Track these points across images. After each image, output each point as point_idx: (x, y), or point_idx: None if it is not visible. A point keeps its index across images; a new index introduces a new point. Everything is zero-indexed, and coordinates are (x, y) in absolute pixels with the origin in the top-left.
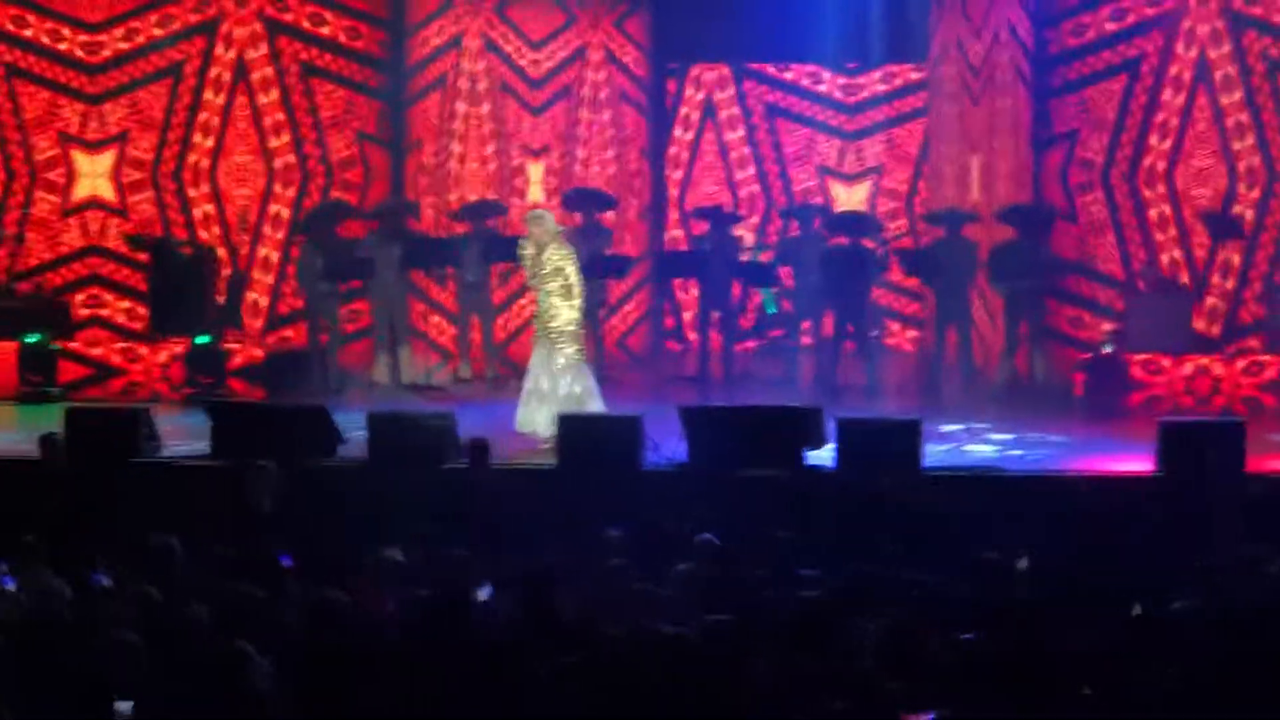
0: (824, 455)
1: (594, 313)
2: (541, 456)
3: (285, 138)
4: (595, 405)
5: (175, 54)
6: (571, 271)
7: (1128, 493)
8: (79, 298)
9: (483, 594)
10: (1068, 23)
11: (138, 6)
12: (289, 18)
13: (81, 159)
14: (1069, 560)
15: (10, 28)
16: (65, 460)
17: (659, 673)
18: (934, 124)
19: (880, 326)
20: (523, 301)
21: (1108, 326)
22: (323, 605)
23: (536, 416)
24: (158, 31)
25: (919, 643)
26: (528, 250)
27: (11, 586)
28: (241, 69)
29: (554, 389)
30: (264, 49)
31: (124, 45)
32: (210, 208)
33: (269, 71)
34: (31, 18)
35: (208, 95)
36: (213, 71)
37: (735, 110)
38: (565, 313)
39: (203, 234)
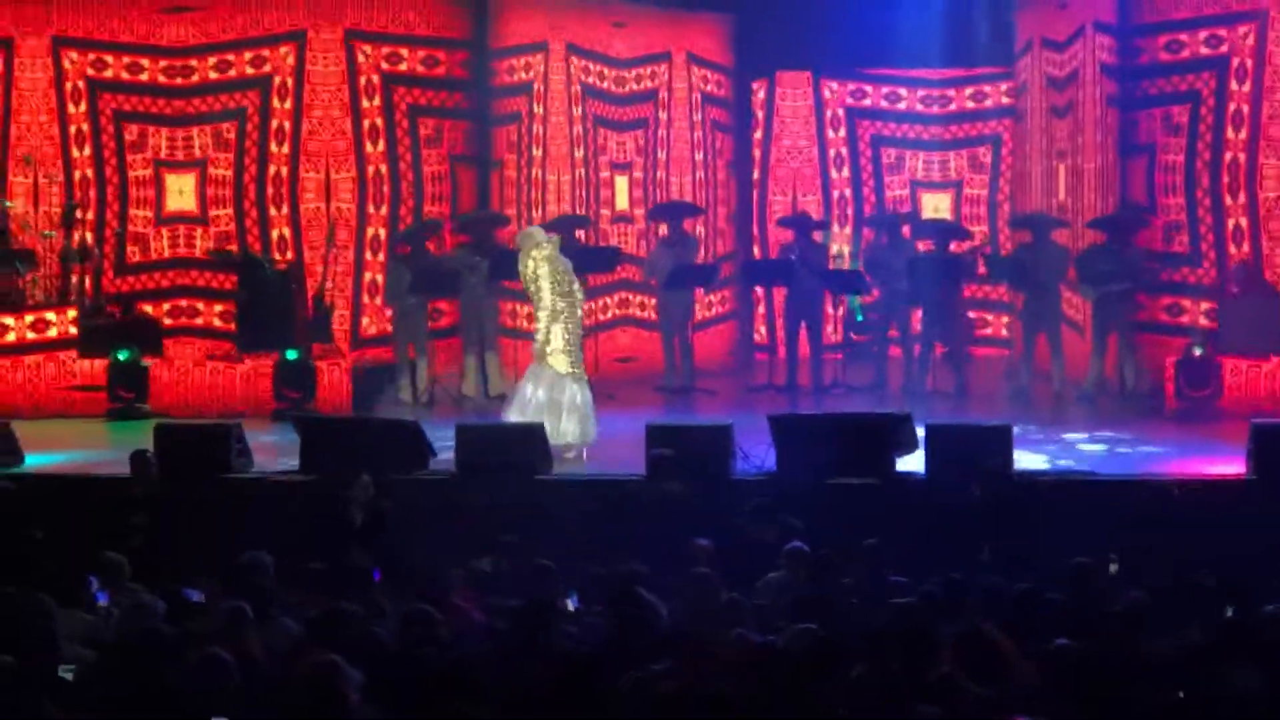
0: (914, 462)
1: (683, 323)
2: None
3: (378, 149)
4: (576, 421)
5: (262, 73)
6: (545, 286)
7: (1219, 496)
8: (168, 316)
9: (569, 604)
10: (1158, 35)
11: (228, 40)
12: (382, 50)
13: (171, 180)
14: (1161, 564)
15: (91, 71)
16: (156, 477)
17: (748, 681)
18: (1020, 131)
19: (968, 332)
20: (605, 318)
21: (1198, 329)
22: (414, 617)
23: (564, 427)
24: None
25: (1010, 649)
26: (521, 268)
27: (104, 602)
28: (324, 89)
29: (550, 397)
30: (349, 69)
31: (214, 75)
32: (287, 230)
33: (357, 93)
34: (110, 57)
35: (291, 114)
36: (301, 93)
37: (820, 118)
38: (541, 327)
39: (291, 250)
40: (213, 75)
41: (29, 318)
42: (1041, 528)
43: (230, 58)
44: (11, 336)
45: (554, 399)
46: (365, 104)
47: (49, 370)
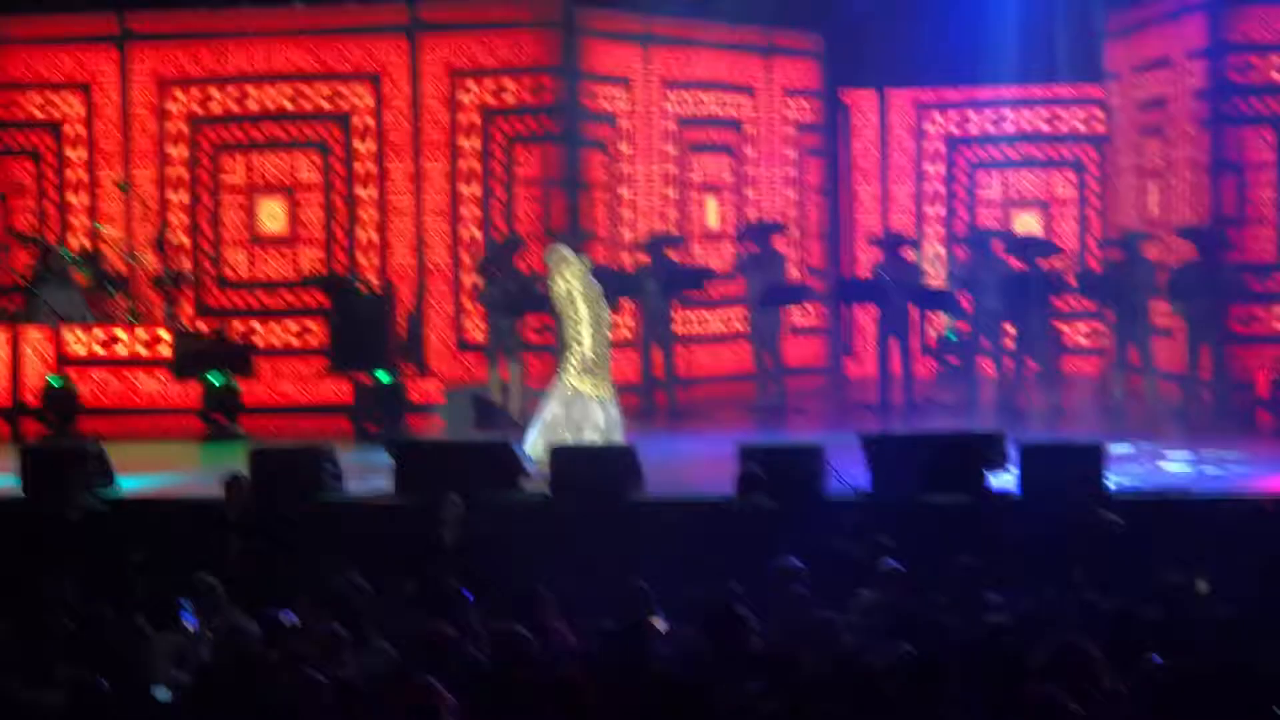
0: (1007, 480)
1: (773, 342)
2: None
3: (471, 167)
4: (615, 436)
5: (353, 98)
6: (580, 303)
7: None
8: (260, 338)
9: (660, 624)
10: (1251, 55)
11: (314, 72)
12: (480, 82)
13: (265, 205)
14: (1256, 581)
15: (198, 110)
16: (250, 499)
17: (845, 700)
18: (1112, 149)
19: (1060, 349)
20: (700, 334)
21: None
22: (508, 638)
23: (537, 443)
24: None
25: (1105, 667)
26: (551, 287)
27: (193, 626)
28: (417, 114)
29: (566, 420)
30: (447, 98)
31: (300, 105)
32: (374, 254)
33: (450, 118)
34: (214, 90)
35: (390, 137)
36: (387, 116)
37: (911, 136)
38: (576, 345)
39: (380, 274)
40: (303, 105)
41: (129, 339)
42: (1135, 545)
43: (319, 88)
44: (94, 351)
45: (573, 418)
46: (463, 141)
47: (146, 390)
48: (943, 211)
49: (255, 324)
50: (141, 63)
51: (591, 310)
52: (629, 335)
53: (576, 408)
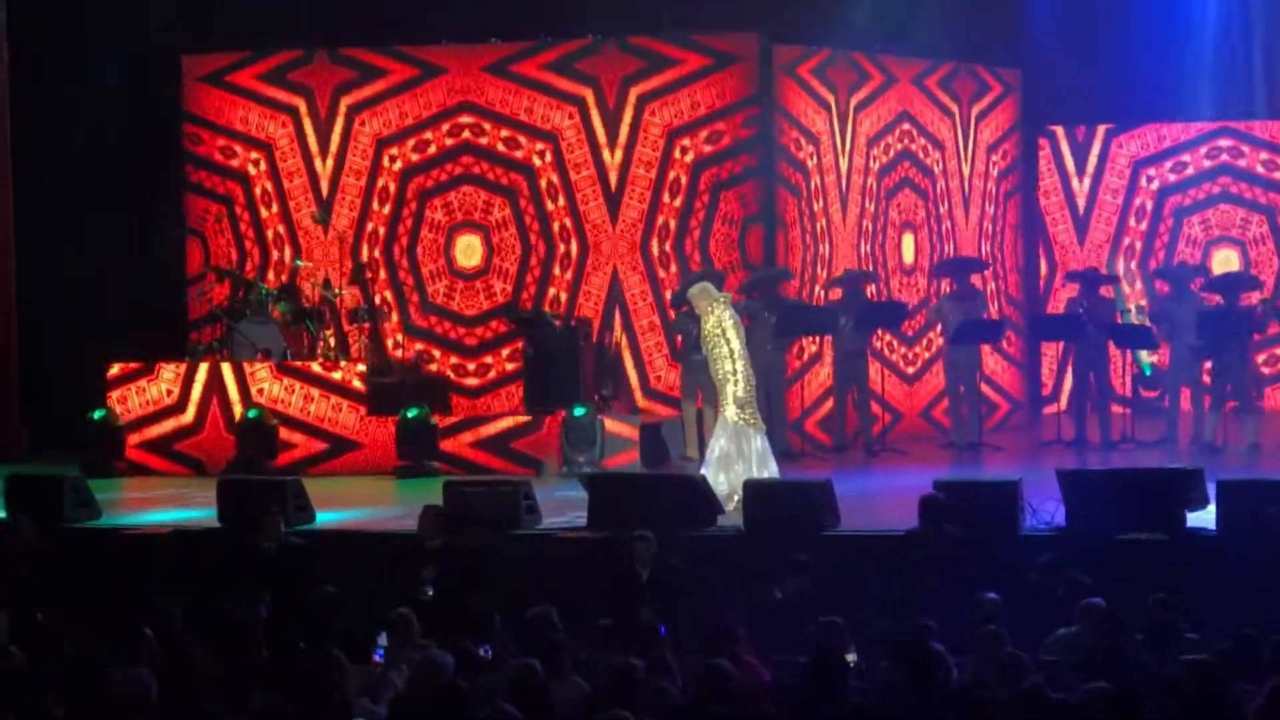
0: (1205, 517)
1: (969, 378)
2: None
3: (671, 203)
4: (769, 468)
5: (562, 127)
6: (733, 336)
7: None
8: (453, 372)
9: (852, 659)
10: None
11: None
12: (681, 128)
13: (461, 240)
14: None
15: (434, 150)
16: (445, 533)
17: None
18: None
19: (1259, 385)
20: (910, 372)
21: None
22: (709, 673)
23: (719, 479)
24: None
25: None
26: (701, 323)
27: (381, 658)
28: (638, 171)
29: (737, 452)
30: (654, 144)
31: (500, 145)
32: (564, 293)
33: (664, 179)
34: (428, 133)
35: (584, 174)
36: (576, 154)
37: (1109, 171)
38: (733, 378)
39: (574, 308)
40: (500, 147)
41: (325, 374)
42: None
43: (517, 134)
44: (290, 385)
45: (742, 450)
46: (668, 195)
47: (342, 423)
48: (1141, 247)
49: (454, 358)
50: (361, 123)
51: (742, 345)
52: (825, 370)
53: (743, 440)
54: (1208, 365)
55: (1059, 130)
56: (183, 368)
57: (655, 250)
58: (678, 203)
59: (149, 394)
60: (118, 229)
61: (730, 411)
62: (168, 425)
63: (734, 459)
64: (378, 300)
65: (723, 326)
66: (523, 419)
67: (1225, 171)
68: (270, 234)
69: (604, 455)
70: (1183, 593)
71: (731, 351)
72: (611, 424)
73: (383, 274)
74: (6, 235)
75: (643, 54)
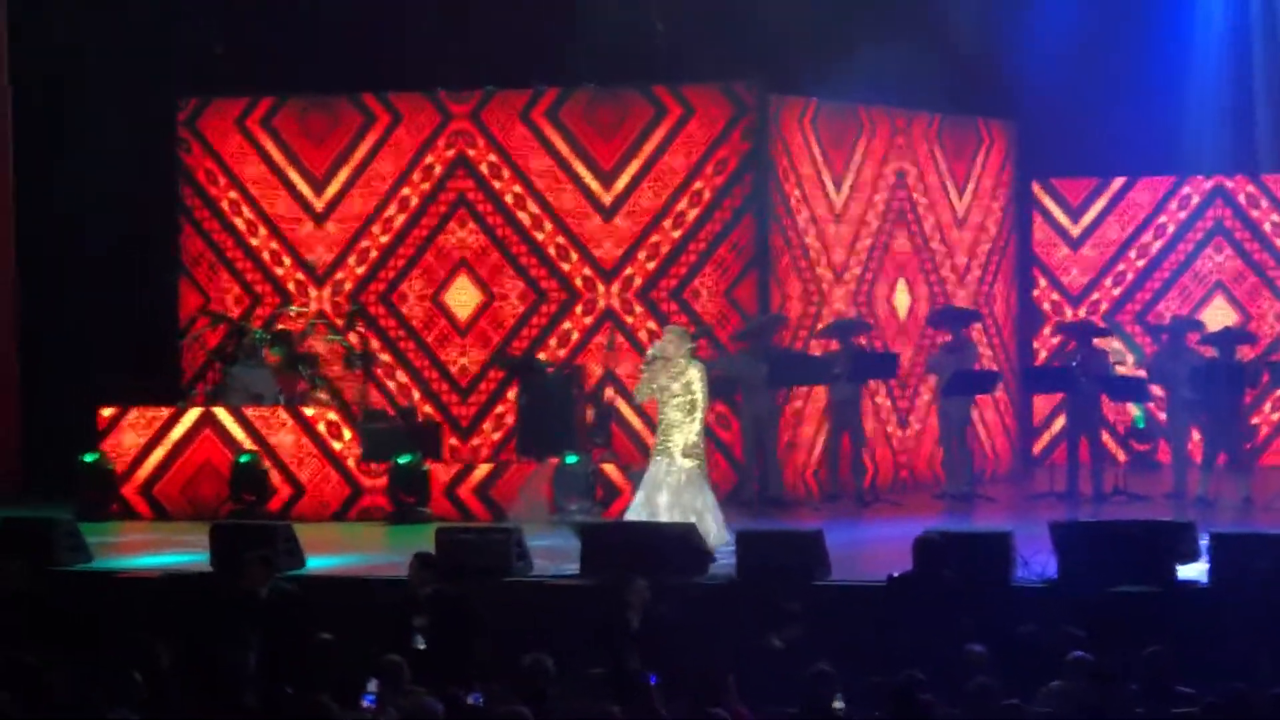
0: (1197, 570)
1: (961, 429)
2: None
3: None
4: (713, 521)
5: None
6: (699, 391)
7: None
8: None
9: (837, 705)
10: None
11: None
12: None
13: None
14: None
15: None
16: (437, 580)
17: None
18: None
19: (1253, 440)
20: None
21: None
22: None
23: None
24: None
25: None
26: (656, 360)
27: (370, 704)
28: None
29: (674, 503)
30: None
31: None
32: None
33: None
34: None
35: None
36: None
37: (1103, 224)
38: (686, 427)
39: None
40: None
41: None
42: None
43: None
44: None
45: (686, 502)
46: (661, 241)
47: (334, 469)
48: (1133, 299)
49: (446, 403)
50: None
51: (707, 398)
52: (814, 420)
53: (691, 489)
54: (1201, 419)
55: (1053, 182)
56: (176, 411)
57: (651, 298)
58: (669, 249)
59: (142, 437)
60: (114, 272)
61: (679, 460)
62: (160, 469)
63: (656, 491)
64: (372, 345)
65: (702, 378)
66: (515, 466)
67: (1219, 226)
68: (264, 278)
69: (602, 504)
70: (1175, 646)
71: (697, 403)
72: (609, 472)
73: (377, 319)
74: (9, 274)
75: (638, 102)
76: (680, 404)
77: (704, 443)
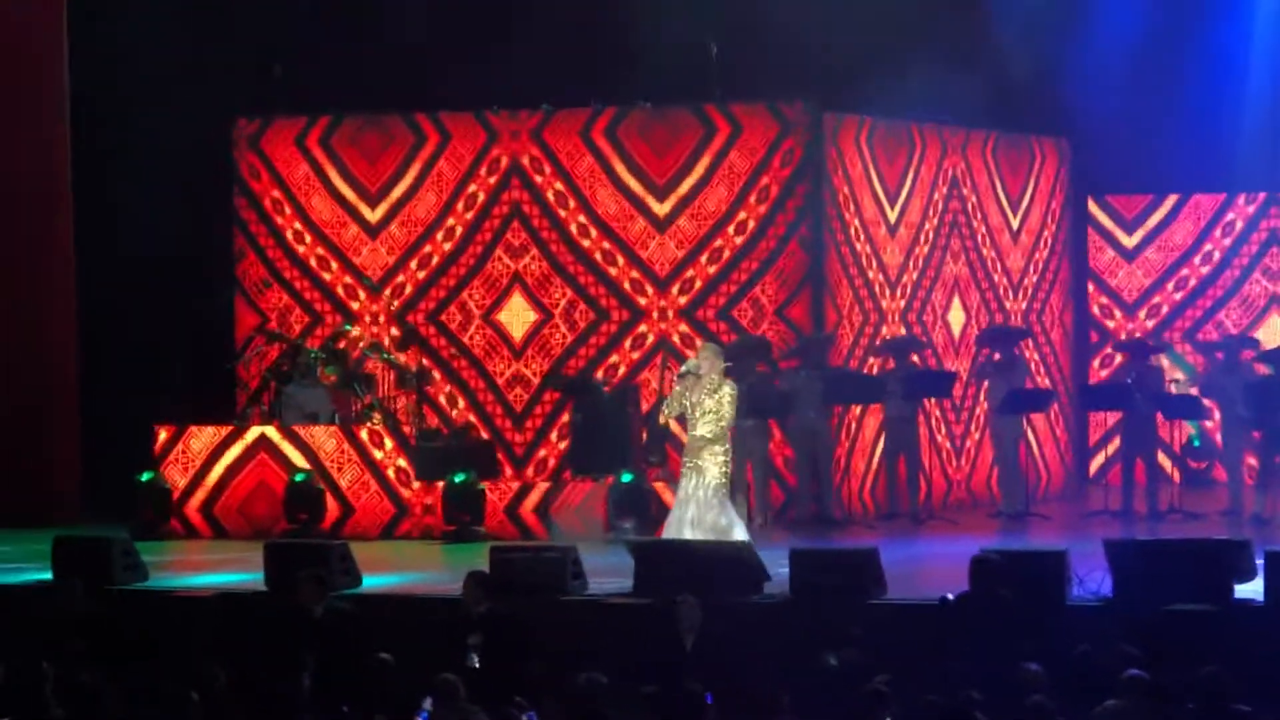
0: (1254, 588)
1: (1014, 448)
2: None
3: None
4: (739, 536)
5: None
6: (728, 412)
7: None
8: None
9: None
10: None
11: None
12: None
13: (512, 305)
14: None
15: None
16: (491, 598)
17: None
18: None
19: None
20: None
21: None
22: None
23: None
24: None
25: None
26: (689, 376)
27: None
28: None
29: (700, 519)
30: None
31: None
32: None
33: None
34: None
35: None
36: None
37: (1157, 241)
38: (715, 445)
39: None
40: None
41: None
42: None
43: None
44: (339, 449)
45: (710, 520)
46: (711, 261)
47: (390, 488)
48: (1185, 319)
49: (501, 423)
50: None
51: (734, 418)
52: (872, 438)
53: (717, 505)
54: (1257, 436)
55: (1108, 199)
56: (231, 431)
57: (703, 316)
58: (718, 269)
59: (198, 457)
60: (172, 290)
61: (722, 477)
62: (216, 488)
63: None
64: (427, 364)
65: (735, 397)
66: (572, 485)
67: (1273, 239)
68: (320, 297)
69: (656, 522)
70: (1231, 664)
71: (728, 423)
72: (662, 491)
73: (428, 339)
74: (69, 294)
75: (692, 121)
76: (710, 421)
77: (730, 461)
